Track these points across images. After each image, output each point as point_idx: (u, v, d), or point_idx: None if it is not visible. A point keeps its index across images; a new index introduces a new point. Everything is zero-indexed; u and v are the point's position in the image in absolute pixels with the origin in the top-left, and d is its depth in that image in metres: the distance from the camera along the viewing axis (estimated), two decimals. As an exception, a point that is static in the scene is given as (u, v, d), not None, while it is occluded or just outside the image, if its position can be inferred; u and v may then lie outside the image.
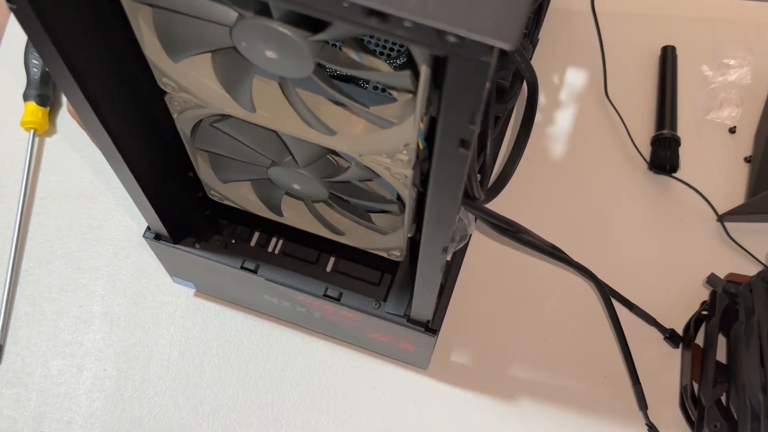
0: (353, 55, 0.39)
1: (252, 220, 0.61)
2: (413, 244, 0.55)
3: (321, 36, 0.35)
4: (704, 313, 0.70)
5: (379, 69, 0.40)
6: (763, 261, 0.74)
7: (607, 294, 0.70)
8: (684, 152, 0.78)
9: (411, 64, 0.36)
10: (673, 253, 0.75)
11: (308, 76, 0.39)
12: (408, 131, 0.39)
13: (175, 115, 0.48)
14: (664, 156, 0.78)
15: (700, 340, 0.70)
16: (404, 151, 0.41)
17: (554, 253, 0.64)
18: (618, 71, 0.82)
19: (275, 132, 0.46)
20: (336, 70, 0.48)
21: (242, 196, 0.56)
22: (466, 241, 0.59)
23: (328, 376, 0.70)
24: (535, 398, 0.69)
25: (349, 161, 0.48)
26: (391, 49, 0.52)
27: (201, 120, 0.48)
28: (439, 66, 0.33)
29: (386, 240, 0.54)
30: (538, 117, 0.81)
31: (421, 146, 0.41)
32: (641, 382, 0.68)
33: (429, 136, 0.40)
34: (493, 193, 0.56)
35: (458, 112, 0.33)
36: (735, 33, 0.85)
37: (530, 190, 0.77)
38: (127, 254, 0.74)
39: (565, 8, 0.85)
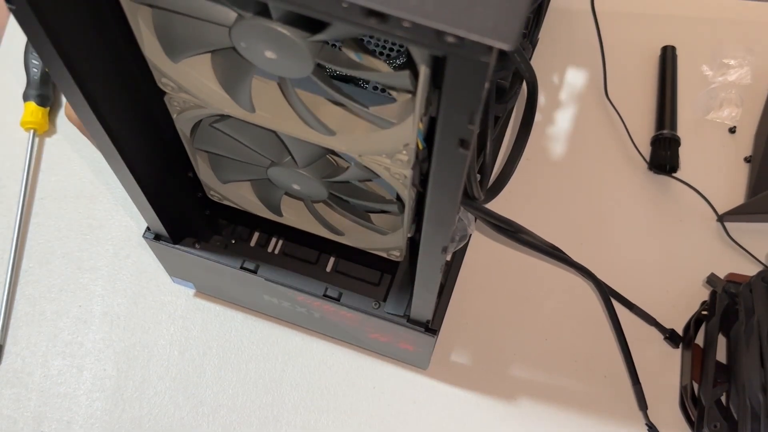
0: (353, 55, 0.39)
1: (252, 221, 0.61)
2: (413, 244, 0.55)
3: (320, 36, 0.35)
4: (704, 313, 0.70)
5: (379, 69, 0.40)
6: (763, 261, 0.74)
7: (607, 294, 0.70)
8: (684, 152, 0.78)
9: (410, 65, 0.36)
10: (673, 253, 0.75)
11: (308, 77, 0.39)
12: (407, 131, 0.39)
13: (174, 116, 0.48)
14: (664, 156, 0.78)
15: (700, 340, 0.70)
16: (404, 152, 0.41)
17: (554, 253, 0.64)
18: (618, 71, 0.82)
19: (275, 132, 0.46)
20: (335, 71, 0.48)
21: (242, 196, 0.56)
22: (465, 241, 0.59)
23: (328, 376, 0.70)
24: (535, 398, 0.69)
25: (348, 161, 0.48)
26: (391, 50, 0.52)
27: (200, 120, 0.48)
28: (438, 66, 0.33)
29: (386, 240, 0.54)
30: (538, 117, 0.81)
31: (420, 146, 0.41)
32: (641, 382, 0.68)
33: (428, 136, 0.40)
34: (492, 193, 0.56)
35: (458, 112, 0.33)
36: (735, 33, 0.85)
37: (530, 190, 0.77)
38: (127, 254, 0.74)
39: (565, 8, 0.85)
